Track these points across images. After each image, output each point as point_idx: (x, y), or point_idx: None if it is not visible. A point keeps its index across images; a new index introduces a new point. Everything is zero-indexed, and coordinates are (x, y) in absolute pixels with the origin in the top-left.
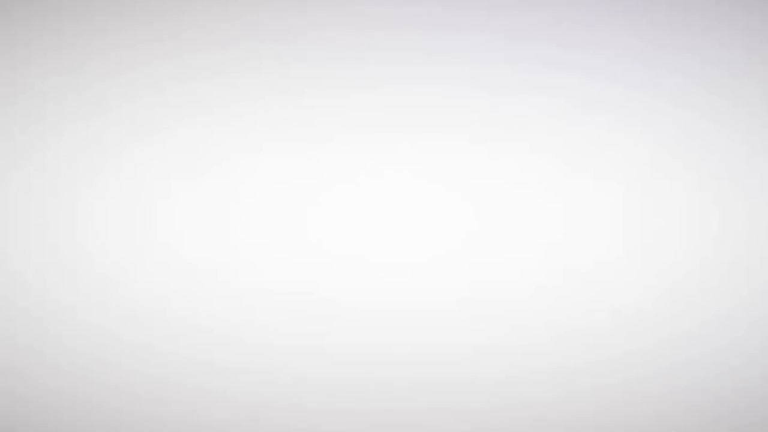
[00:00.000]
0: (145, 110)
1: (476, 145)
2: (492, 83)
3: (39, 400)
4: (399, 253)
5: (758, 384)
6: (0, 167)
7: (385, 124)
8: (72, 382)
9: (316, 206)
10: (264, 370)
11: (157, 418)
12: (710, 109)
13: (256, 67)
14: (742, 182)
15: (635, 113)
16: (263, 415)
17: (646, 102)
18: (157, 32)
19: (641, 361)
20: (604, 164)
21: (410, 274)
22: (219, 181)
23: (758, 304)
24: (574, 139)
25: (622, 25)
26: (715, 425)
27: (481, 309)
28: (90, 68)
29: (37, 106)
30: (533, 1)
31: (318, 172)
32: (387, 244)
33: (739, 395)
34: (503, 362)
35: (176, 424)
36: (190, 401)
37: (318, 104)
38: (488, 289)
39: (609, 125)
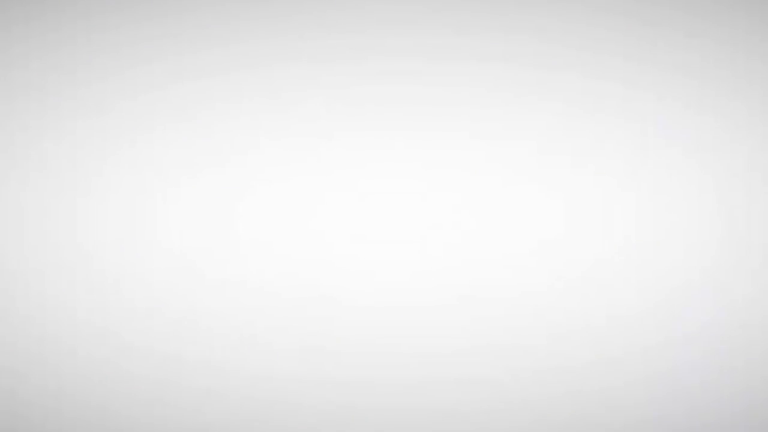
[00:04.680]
0: (145, 110)
1: (476, 145)
2: (492, 83)
3: (39, 400)
4: (399, 252)
5: (758, 384)
6: (0, 167)
7: (385, 123)
8: (72, 382)
9: (316, 206)
10: (264, 370)
11: (157, 418)
12: (710, 109)
13: (256, 67)
14: (743, 182)
15: (635, 113)
16: (263, 415)
17: (647, 102)
18: (157, 32)
19: (641, 361)
20: (604, 164)
21: (410, 274)
22: (219, 180)
23: (759, 304)
24: (574, 139)
25: (622, 25)
26: (715, 425)
27: (481, 308)
28: (90, 68)
29: (37, 106)
30: (533, 1)
31: (318, 172)
32: (387, 243)
33: (739, 395)
34: (503, 362)
35: (176, 424)
36: (190, 401)
37: (318, 104)
38: (488, 288)
39: (609, 125)
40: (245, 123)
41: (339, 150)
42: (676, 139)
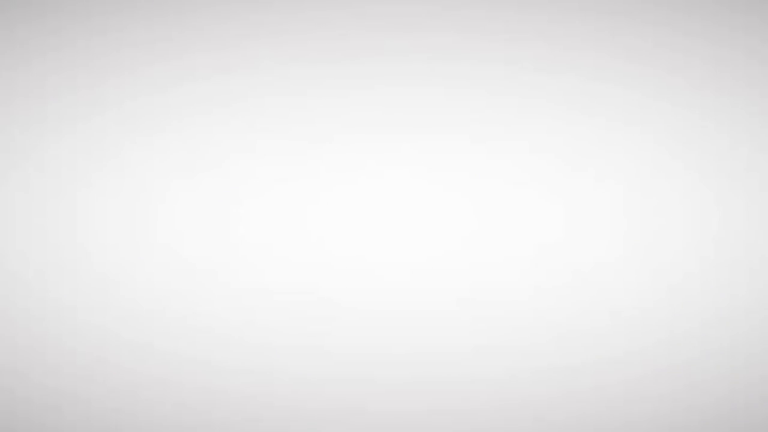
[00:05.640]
0: (145, 110)
1: (476, 145)
2: (492, 83)
3: (39, 400)
4: (399, 253)
5: (758, 384)
6: (0, 167)
7: (385, 124)
8: (72, 381)
9: (316, 206)
10: (264, 370)
11: (158, 417)
12: (710, 109)
13: (256, 67)
14: (742, 182)
15: (635, 113)
16: (263, 415)
17: (646, 102)
18: (157, 32)
19: (641, 361)
20: (604, 164)
21: (410, 274)
22: (219, 181)
23: (758, 304)
24: (574, 139)
25: (622, 25)
26: (715, 425)
27: (481, 309)
28: (90, 68)
29: (37, 106)
30: (532, 1)
31: (318, 173)
32: (387, 244)
33: (739, 395)
34: (503, 362)
35: (176, 424)
36: (190, 401)
37: (318, 104)
38: (488, 289)
39: (609, 125)
40: (246, 125)
41: (338, 152)
42: (676, 142)
